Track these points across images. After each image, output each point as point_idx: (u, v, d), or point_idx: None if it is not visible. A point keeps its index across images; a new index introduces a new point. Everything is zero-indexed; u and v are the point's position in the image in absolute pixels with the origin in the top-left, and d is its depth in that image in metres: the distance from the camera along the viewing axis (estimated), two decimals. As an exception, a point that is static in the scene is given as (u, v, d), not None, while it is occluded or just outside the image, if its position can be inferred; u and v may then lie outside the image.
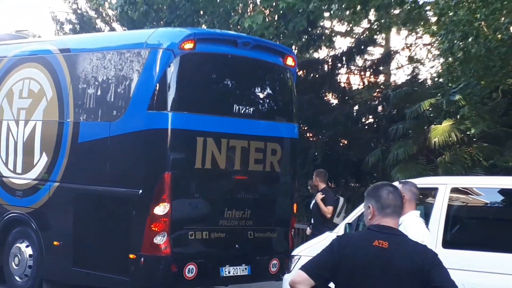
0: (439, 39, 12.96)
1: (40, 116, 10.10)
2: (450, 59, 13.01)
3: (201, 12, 17.59)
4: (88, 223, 9.35)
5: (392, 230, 3.67)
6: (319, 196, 10.89)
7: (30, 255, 9.97)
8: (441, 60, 15.24)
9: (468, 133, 13.30)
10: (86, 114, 9.51)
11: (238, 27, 15.07)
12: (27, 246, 10.02)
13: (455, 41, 11.90)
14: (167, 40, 8.86)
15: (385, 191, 3.72)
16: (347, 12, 16.18)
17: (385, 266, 3.50)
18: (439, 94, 14.39)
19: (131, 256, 8.65)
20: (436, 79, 17.49)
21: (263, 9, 14.46)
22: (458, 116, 13.69)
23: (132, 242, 8.75)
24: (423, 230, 6.07)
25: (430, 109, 14.92)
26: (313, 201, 11.06)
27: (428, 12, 15.94)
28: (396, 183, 6.18)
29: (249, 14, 16.33)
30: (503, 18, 11.32)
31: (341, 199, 11.78)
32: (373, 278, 3.51)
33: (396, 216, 3.71)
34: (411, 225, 6.04)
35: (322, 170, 11.57)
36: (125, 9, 16.53)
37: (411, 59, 21.43)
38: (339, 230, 8.04)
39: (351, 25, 19.89)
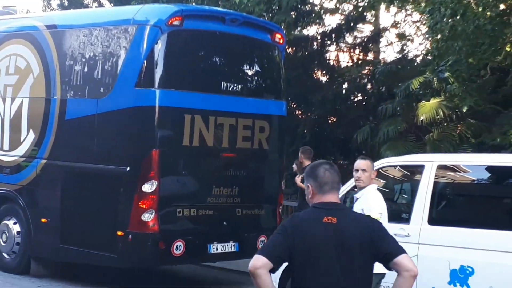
0: (427, 16, 12.94)
1: (27, 92, 10.06)
2: (438, 36, 12.99)
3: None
4: (75, 200, 9.34)
5: (337, 205, 3.78)
6: (298, 179, 10.99)
7: (17, 232, 9.97)
8: (430, 37, 15.22)
9: (456, 110, 13.32)
10: (73, 91, 9.47)
11: (228, 2, 14.97)
12: (14, 223, 10.02)
13: (444, 18, 11.87)
14: (155, 17, 8.81)
15: (321, 169, 3.80)
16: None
17: (337, 241, 3.59)
18: (427, 72, 14.38)
19: (119, 233, 8.67)
20: (424, 56, 17.47)
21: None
22: (447, 94, 13.70)
23: (119, 219, 8.76)
24: (383, 203, 6.43)
25: (419, 87, 14.93)
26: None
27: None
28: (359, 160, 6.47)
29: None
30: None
31: None
32: (328, 254, 3.59)
33: (335, 191, 3.79)
34: (373, 197, 6.36)
35: (308, 147, 11.60)
36: None
37: (400, 36, 21.39)
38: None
39: (340, 2, 19.80)
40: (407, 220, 7.59)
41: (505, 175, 7.62)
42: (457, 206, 8.20)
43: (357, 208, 6.31)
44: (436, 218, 7.46)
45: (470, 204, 8.07)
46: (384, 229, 3.75)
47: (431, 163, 7.58)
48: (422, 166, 7.66)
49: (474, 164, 7.75)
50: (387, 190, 8.83)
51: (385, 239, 3.68)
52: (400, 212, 8.23)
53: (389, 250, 3.63)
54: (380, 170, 8.17)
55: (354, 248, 3.59)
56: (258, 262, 3.63)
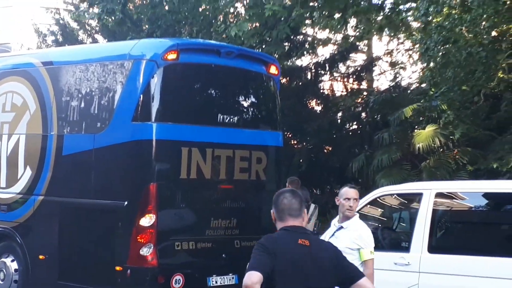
0: (419, 44, 13.08)
1: (24, 129, 10.06)
2: (431, 64, 13.11)
3: (183, 22, 17.60)
4: (73, 236, 9.30)
5: (305, 229, 4.08)
6: None
7: (15, 270, 9.91)
8: (422, 65, 15.36)
9: (451, 137, 13.39)
10: (70, 126, 9.48)
11: (224, 36, 15.08)
12: (12, 261, 9.95)
13: (435, 46, 11.99)
14: (150, 51, 8.86)
15: (281, 197, 4.11)
16: (328, 19, 16.29)
17: (312, 262, 3.87)
18: (422, 100, 14.48)
19: (118, 268, 8.62)
20: (417, 84, 17.60)
21: (247, 17, 14.48)
22: (441, 122, 13.78)
23: (118, 254, 8.72)
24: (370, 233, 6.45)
25: (414, 114, 15.01)
26: None
27: (409, 18, 16.06)
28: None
29: (232, 22, 16.35)
30: (483, 23, 11.43)
31: (312, 206, 11.82)
32: (303, 273, 3.85)
33: (294, 218, 4.06)
34: (365, 230, 6.40)
35: (295, 177, 11.77)
36: (102, 17, 16.49)
37: (392, 65, 21.55)
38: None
39: (332, 33, 19.97)
40: (407, 249, 7.59)
41: (504, 202, 7.64)
42: (457, 233, 8.20)
43: (344, 238, 6.26)
44: (436, 246, 7.46)
45: (469, 231, 8.07)
46: (343, 254, 4.15)
47: (429, 191, 7.60)
48: (420, 194, 7.67)
49: (472, 191, 7.78)
50: (385, 219, 8.84)
51: (348, 263, 4.08)
52: (399, 240, 8.23)
53: (352, 274, 4.01)
54: (378, 198, 8.19)
55: (325, 268, 3.90)
56: (256, 277, 3.75)
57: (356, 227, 6.36)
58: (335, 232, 6.43)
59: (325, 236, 6.61)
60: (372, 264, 6.20)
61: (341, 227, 6.37)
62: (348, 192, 6.40)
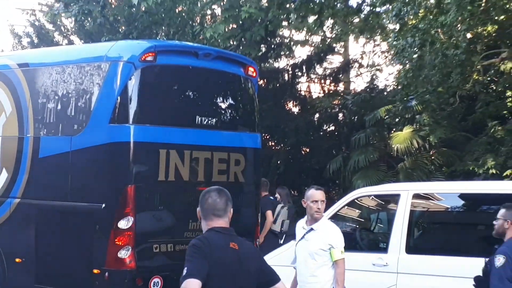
0: (393, 46, 13.17)
1: (0, 131, 9.97)
2: (407, 66, 13.20)
3: (160, 24, 17.54)
4: (50, 239, 9.22)
5: (232, 231, 4.07)
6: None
7: (-9, 273, 9.80)
8: (398, 67, 15.48)
9: (428, 139, 13.50)
10: (46, 128, 9.40)
11: (200, 37, 15.06)
12: (-12, 264, 9.85)
13: (410, 47, 12.08)
14: (128, 53, 8.81)
15: (206, 196, 4.14)
16: (305, 21, 16.38)
17: (240, 265, 3.91)
18: (397, 102, 14.59)
19: (95, 271, 8.56)
20: (394, 86, 17.72)
21: (223, 19, 14.48)
22: (418, 124, 13.88)
23: (96, 257, 8.65)
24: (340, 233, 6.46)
25: (388, 116, 15.12)
26: None
27: (385, 20, 16.18)
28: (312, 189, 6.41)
29: (209, 23, 16.34)
30: (459, 25, 11.53)
31: (279, 206, 11.84)
32: (233, 276, 3.88)
33: (219, 217, 4.06)
34: (336, 231, 6.45)
35: (264, 179, 11.79)
36: (78, 19, 16.41)
37: (369, 66, 21.70)
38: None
39: (309, 34, 20.06)
40: (384, 250, 7.63)
41: (481, 202, 7.71)
42: (434, 234, 8.27)
43: (316, 240, 6.29)
44: (414, 246, 7.51)
45: (447, 232, 8.14)
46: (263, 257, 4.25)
47: (406, 192, 7.66)
48: (398, 195, 7.72)
49: (449, 192, 7.85)
50: (363, 220, 8.89)
51: (268, 267, 4.13)
52: (377, 241, 8.29)
53: (271, 277, 4.07)
54: (356, 200, 8.23)
55: (252, 271, 3.96)
56: (193, 284, 3.72)
57: (326, 228, 6.41)
58: (305, 234, 6.45)
59: (296, 239, 6.64)
60: (343, 263, 6.26)
61: (311, 229, 6.39)
62: (314, 194, 6.41)
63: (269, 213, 11.36)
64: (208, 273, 3.78)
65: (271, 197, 12.01)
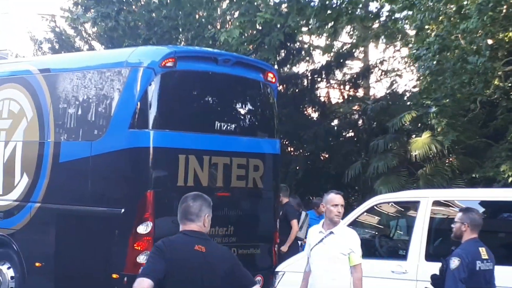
0: (411, 52, 13.11)
1: (21, 136, 10.04)
2: (427, 71, 13.13)
3: (179, 29, 17.62)
4: (70, 243, 9.26)
5: (204, 234, 4.18)
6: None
7: (11, 277, 9.87)
8: (418, 72, 15.40)
9: (445, 145, 13.41)
10: (67, 133, 9.46)
11: (218, 42, 15.11)
12: (8, 268, 9.92)
13: (431, 54, 12.02)
14: (148, 59, 8.86)
15: (182, 200, 4.30)
16: (323, 27, 16.36)
17: (207, 268, 3.98)
18: (413, 107, 14.53)
19: (114, 276, 8.59)
20: (414, 91, 17.64)
21: (238, 24, 14.53)
22: (435, 129, 13.81)
23: (115, 262, 8.69)
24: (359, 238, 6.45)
25: (410, 122, 15.07)
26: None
27: (406, 26, 16.12)
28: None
29: (226, 28, 16.39)
30: (480, 31, 11.46)
31: (303, 213, 11.85)
32: (196, 279, 3.95)
33: (192, 221, 4.21)
34: (355, 237, 6.43)
35: (284, 185, 11.72)
36: (98, 21, 16.52)
37: (388, 72, 21.62)
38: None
39: (329, 40, 20.05)
40: (404, 257, 7.59)
41: (501, 210, 7.65)
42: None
43: (334, 244, 6.29)
44: (434, 254, 7.45)
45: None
46: (238, 260, 4.28)
47: (426, 199, 7.61)
48: (417, 202, 7.68)
49: (469, 199, 7.78)
50: (382, 227, 8.85)
51: (243, 270, 4.18)
52: (396, 248, 8.24)
53: (245, 281, 4.12)
54: (375, 206, 8.19)
55: (220, 274, 4.01)
56: (145, 284, 3.85)
57: (345, 232, 6.41)
58: (323, 238, 6.44)
59: (310, 243, 6.61)
60: (361, 268, 6.26)
61: (331, 233, 6.40)
62: (334, 198, 6.43)
63: (294, 222, 11.19)
64: (167, 273, 3.91)
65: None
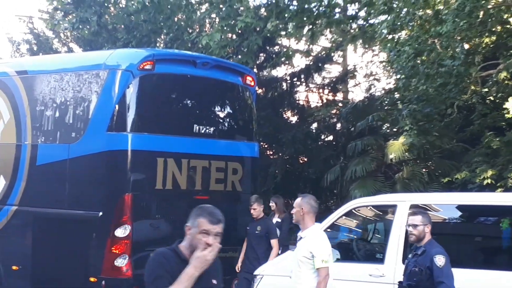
0: (387, 56, 13.18)
1: (-3, 138, 9.97)
2: (403, 75, 13.19)
3: (158, 32, 17.57)
4: (47, 246, 9.20)
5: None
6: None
7: (-13, 281, 9.79)
8: (394, 76, 15.51)
9: (425, 148, 13.48)
10: (44, 136, 9.41)
11: (199, 45, 15.11)
12: (-16, 271, 9.82)
13: (406, 58, 12.08)
14: (126, 61, 8.83)
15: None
16: (301, 31, 16.43)
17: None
18: (395, 111, 14.61)
19: (92, 279, 8.55)
20: (390, 95, 17.73)
21: (219, 28, 14.52)
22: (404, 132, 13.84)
23: (92, 265, 8.65)
24: (329, 246, 6.42)
25: (380, 121, 15.15)
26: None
27: (384, 31, 16.21)
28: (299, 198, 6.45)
29: (207, 32, 16.38)
30: (456, 36, 11.55)
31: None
32: None
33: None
34: (322, 239, 6.37)
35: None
36: (76, 27, 16.44)
37: (367, 76, 21.75)
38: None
39: (308, 44, 20.12)
40: (381, 260, 7.61)
41: (478, 214, 7.71)
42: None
43: (302, 248, 6.34)
44: (410, 257, 7.48)
45: (443, 243, 8.10)
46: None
47: (403, 202, 7.65)
48: (395, 206, 7.71)
49: (446, 203, 7.84)
50: (360, 230, 8.88)
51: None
52: (374, 252, 8.26)
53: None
54: (353, 210, 8.23)
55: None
56: None
57: (311, 236, 6.43)
58: (297, 242, 6.54)
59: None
60: (324, 272, 6.26)
61: (301, 237, 6.48)
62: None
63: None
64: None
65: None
